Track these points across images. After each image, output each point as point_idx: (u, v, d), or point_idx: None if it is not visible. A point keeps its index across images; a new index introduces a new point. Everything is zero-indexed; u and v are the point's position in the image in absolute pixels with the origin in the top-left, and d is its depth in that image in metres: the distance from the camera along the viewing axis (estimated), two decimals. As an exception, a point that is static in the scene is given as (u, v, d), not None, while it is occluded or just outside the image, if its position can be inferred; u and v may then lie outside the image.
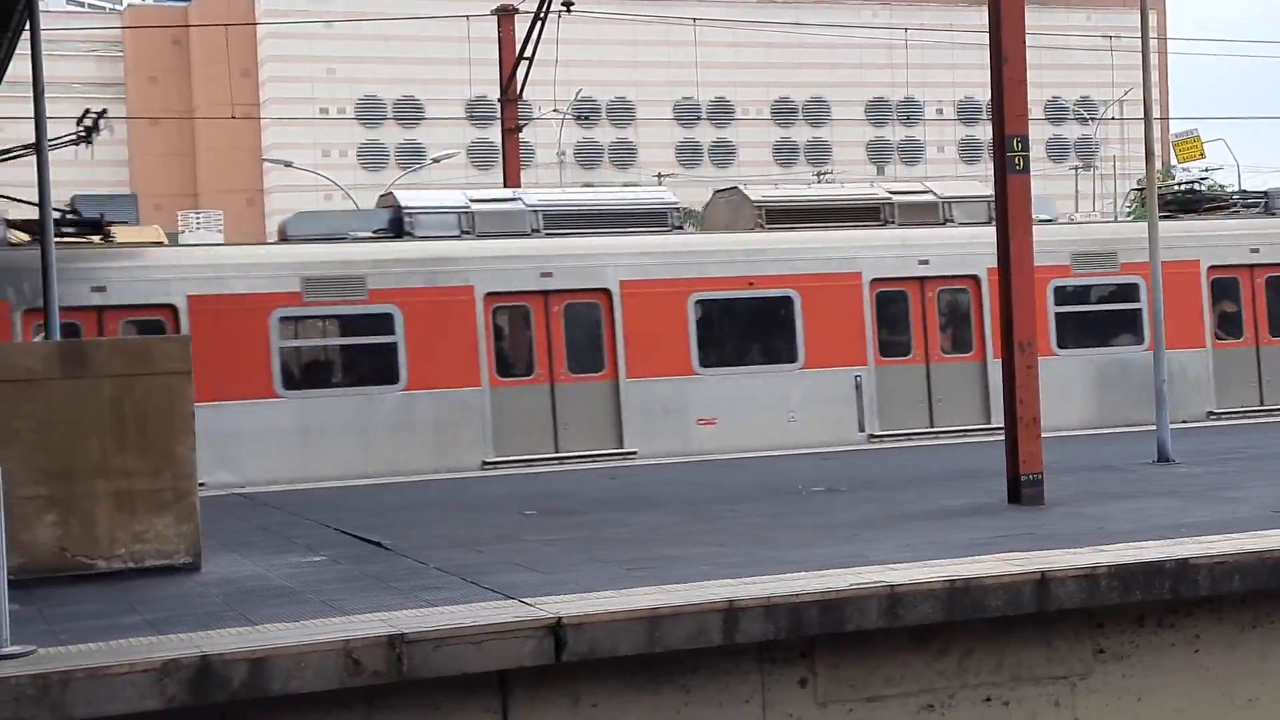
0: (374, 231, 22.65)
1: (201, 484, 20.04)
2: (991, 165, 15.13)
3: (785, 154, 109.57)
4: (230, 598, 10.63)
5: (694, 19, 60.37)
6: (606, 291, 22.48)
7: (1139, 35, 18.83)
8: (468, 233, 22.62)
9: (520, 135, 29.37)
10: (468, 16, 37.44)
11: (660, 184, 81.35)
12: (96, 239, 21.69)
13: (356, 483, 19.76)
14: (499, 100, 29.56)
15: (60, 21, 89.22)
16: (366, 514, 15.73)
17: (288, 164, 68.70)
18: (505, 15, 29.43)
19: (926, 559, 10.90)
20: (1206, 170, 34.37)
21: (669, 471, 19.45)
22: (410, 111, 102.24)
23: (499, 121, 30.14)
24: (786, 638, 9.70)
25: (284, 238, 22.75)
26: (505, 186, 28.25)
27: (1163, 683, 10.76)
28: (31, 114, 16.83)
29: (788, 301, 23.35)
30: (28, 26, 16.96)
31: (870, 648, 10.02)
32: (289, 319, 21.40)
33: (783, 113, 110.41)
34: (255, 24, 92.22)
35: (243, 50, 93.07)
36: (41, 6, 16.86)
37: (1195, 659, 10.88)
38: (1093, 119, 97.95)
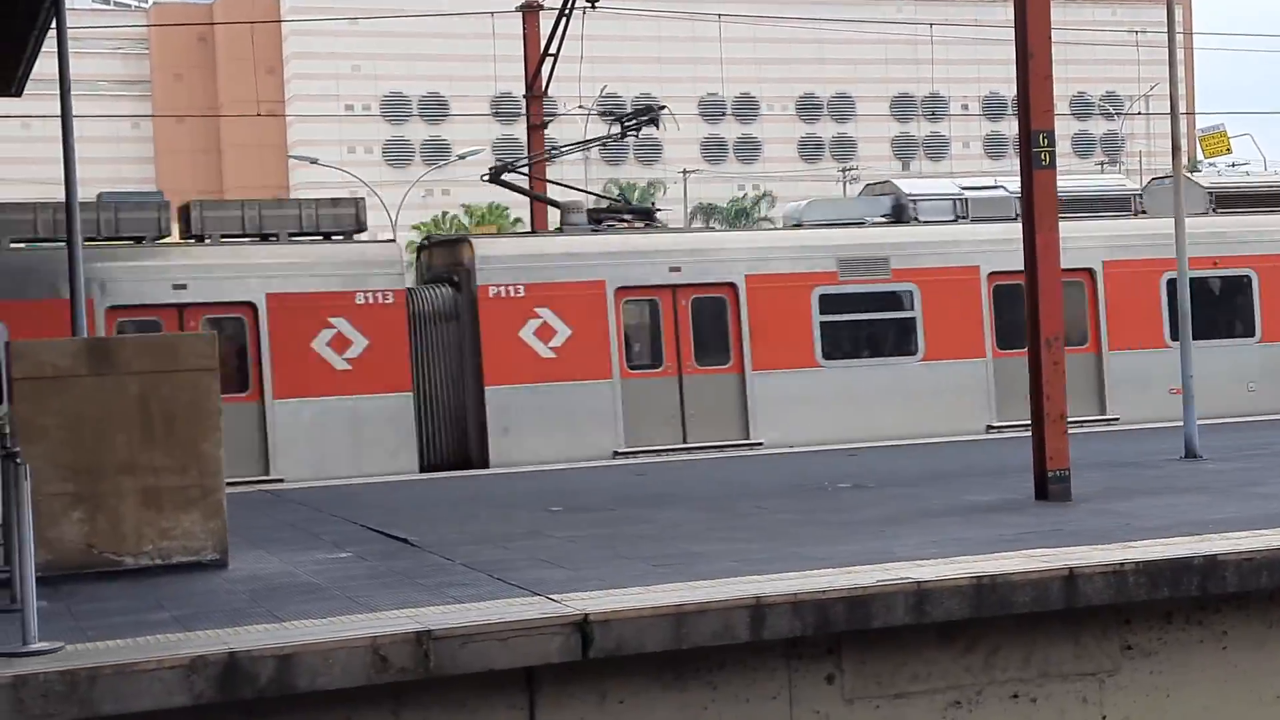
0: (881, 217, 24.48)
1: (759, 443, 21.74)
2: (1017, 161, 15.06)
3: (810, 150, 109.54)
4: (257, 594, 10.65)
5: (719, 15, 60.26)
6: (1090, 271, 23.96)
7: (1165, 30, 18.77)
8: (962, 218, 24.44)
9: (545, 131, 29.35)
10: (492, 13, 37.45)
11: (686, 180, 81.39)
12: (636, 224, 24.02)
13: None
14: (524, 97, 29.54)
15: (87, 19, 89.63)
16: (392, 510, 15.76)
17: (313, 160, 68.93)
18: (530, 11, 29.38)
19: (953, 555, 10.88)
20: (1233, 165, 34.27)
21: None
22: (435, 108, 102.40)
23: (524, 118, 30.12)
24: (813, 634, 9.68)
25: (797, 224, 24.53)
26: (530, 184, 28.26)
27: (1190, 679, 10.72)
28: (59, 111, 16.87)
29: (1246, 280, 24.87)
30: (54, 24, 16.98)
31: (897, 644, 10.00)
32: (827, 296, 23.14)
33: (808, 109, 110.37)
34: (280, 21, 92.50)
35: (268, 47, 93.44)
36: (68, 4, 16.88)
37: (1223, 655, 10.83)
38: (1118, 114, 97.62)
